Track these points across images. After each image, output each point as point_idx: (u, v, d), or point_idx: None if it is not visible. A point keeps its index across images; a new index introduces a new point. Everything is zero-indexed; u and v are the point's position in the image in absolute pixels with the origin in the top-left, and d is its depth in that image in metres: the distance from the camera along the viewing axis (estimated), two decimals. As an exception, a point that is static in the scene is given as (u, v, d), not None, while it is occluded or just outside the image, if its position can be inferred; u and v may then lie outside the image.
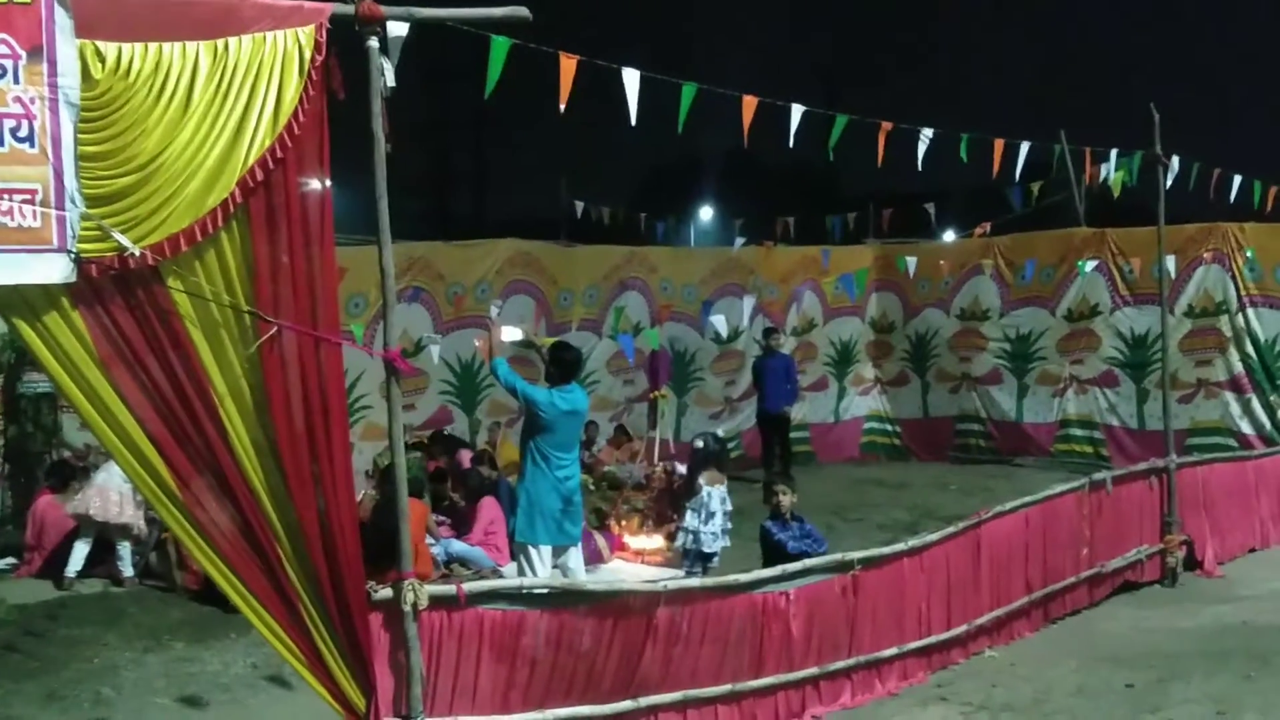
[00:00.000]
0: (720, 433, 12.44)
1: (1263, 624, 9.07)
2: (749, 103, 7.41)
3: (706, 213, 34.92)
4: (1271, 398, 15.11)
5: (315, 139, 4.99)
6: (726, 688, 6.69)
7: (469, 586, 5.84)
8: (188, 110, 4.67)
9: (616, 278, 15.89)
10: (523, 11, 5.33)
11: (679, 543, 9.39)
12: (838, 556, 7.52)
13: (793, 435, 16.22)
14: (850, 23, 68.31)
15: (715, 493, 9.43)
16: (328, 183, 5.05)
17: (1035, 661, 8.27)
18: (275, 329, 4.92)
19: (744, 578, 6.89)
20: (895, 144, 9.40)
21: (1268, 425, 15.04)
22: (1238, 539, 11.56)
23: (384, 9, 5.09)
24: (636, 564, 10.60)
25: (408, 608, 5.29)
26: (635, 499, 11.99)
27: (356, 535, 5.17)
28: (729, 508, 9.62)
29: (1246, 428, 15.21)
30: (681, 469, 11.50)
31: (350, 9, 5.04)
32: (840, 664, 7.29)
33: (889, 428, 18.54)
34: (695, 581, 6.84)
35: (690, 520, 9.32)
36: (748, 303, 13.74)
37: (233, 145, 4.76)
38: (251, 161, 4.79)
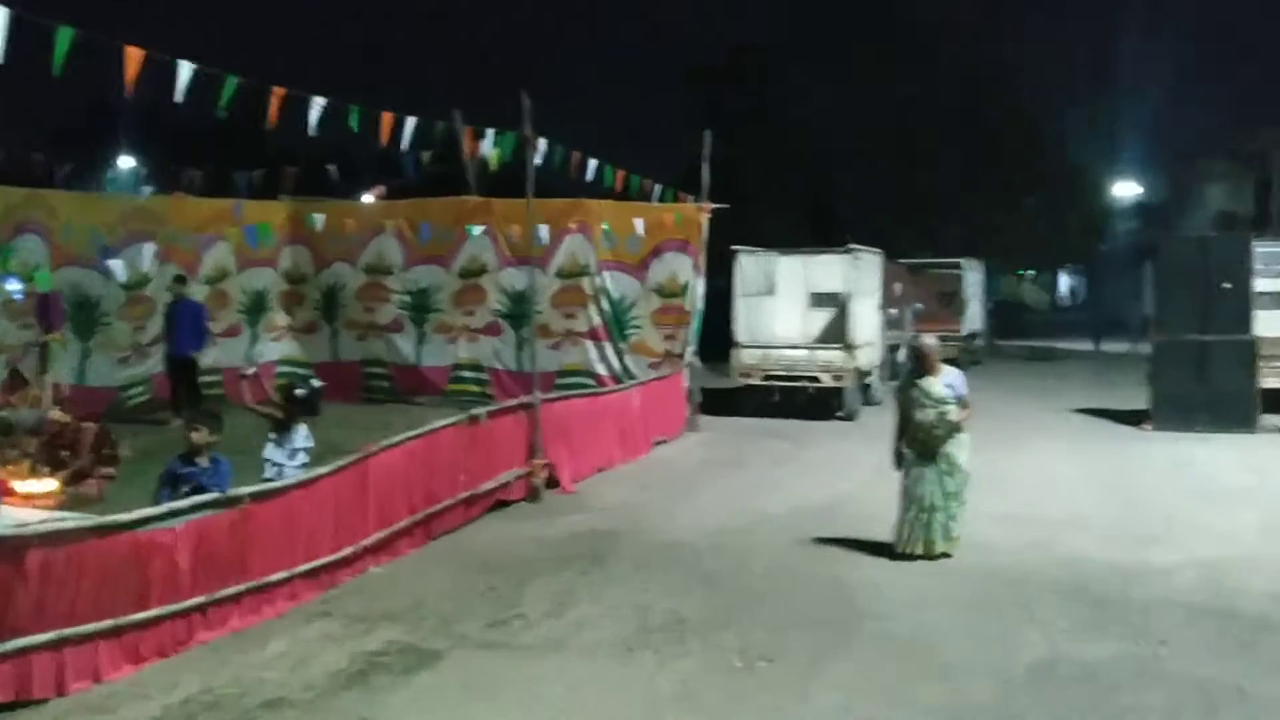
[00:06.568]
0: (316, 382, 11.46)
1: (602, 529, 9.99)
2: (133, 55, 6.80)
3: (125, 161, 31.88)
4: (620, 345, 16.70)
5: None
6: (108, 623, 6.24)
7: None
8: None
9: (11, 220, 14.12)
10: None
11: (264, 474, 8.57)
12: (228, 492, 7.26)
13: (205, 379, 15.45)
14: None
15: (301, 431, 8.72)
16: None
17: (415, 574, 8.50)
18: None
19: (126, 517, 6.45)
20: (296, 109, 9.21)
21: (617, 367, 16.60)
22: (590, 461, 12.56)
23: None
24: (24, 509, 9.46)
25: None
26: (28, 444, 10.70)
27: None
28: (312, 445, 8.95)
29: (602, 370, 16.69)
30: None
31: None
32: (228, 591, 7.07)
33: (301, 371, 18.20)
34: (70, 523, 6.26)
35: (273, 454, 8.54)
36: (148, 249, 12.78)
37: None
38: None
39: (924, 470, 8.75)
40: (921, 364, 8.89)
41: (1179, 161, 49.37)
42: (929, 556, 8.70)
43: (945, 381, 8.79)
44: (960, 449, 8.79)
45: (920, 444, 8.78)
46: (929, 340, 9.10)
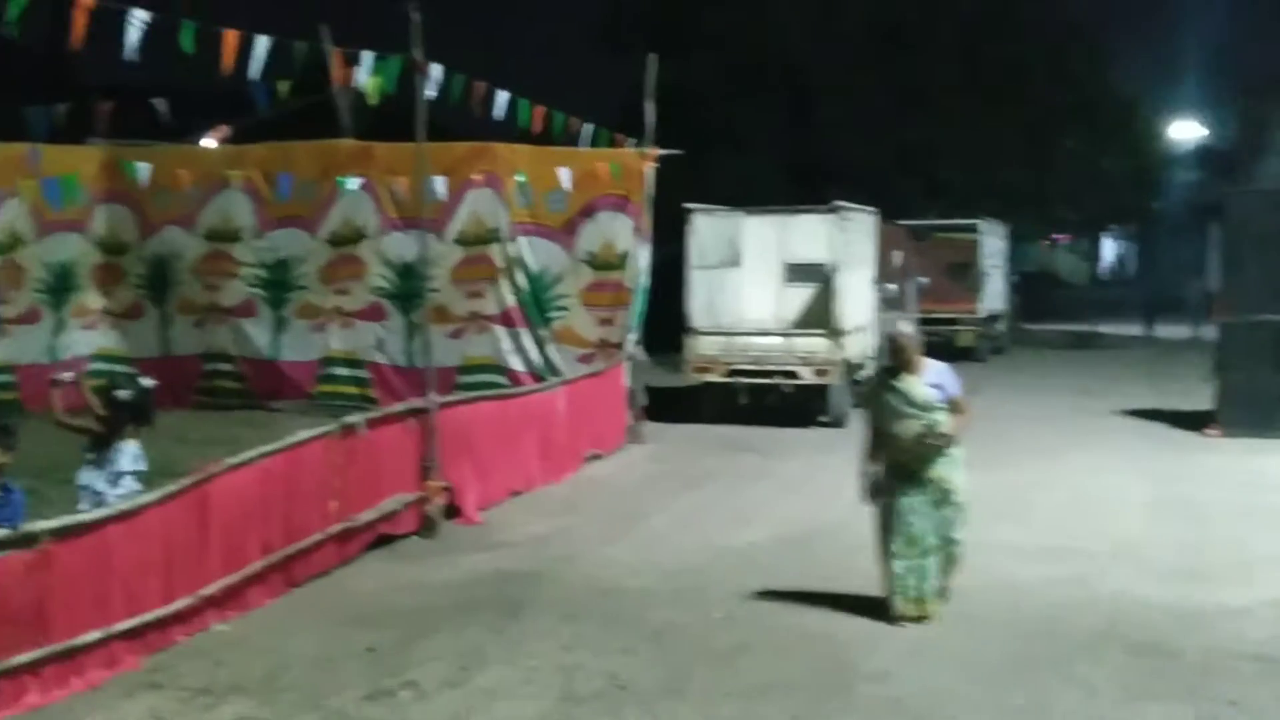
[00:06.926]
0: (146, 381, 11.33)
1: (517, 570, 10.00)
2: None
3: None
4: (541, 332, 16.68)
5: None
6: None
7: None
8: None
9: None
10: None
11: (81, 506, 8.43)
12: (22, 528, 7.16)
13: (-8, 380, 15.28)
14: None
15: (128, 449, 8.58)
16: None
17: (272, 632, 8.47)
18: None
19: (-115, 561, 6.33)
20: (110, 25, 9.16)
21: (537, 360, 16.60)
22: (501, 482, 12.62)
23: None
24: None
25: None
26: None
27: None
28: (143, 467, 8.82)
29: (517, 364, 16.71)
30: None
31: None
32: (23, 658, 6.96)
33: (122, 369, 18.01)
34: None
35: (91, 479, 8.37)
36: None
37: None
38: None
39: (914, 500, 8.44)
40: (897, 359, 8.52)
41: (1253, 95, 49.78)
42: (924, 616, 8.52)
43: (930, 380, 8.44)
44: (953, 470, 8.46)
45: (901, 466, 8.46)
46: (906, 328, 8.81)
